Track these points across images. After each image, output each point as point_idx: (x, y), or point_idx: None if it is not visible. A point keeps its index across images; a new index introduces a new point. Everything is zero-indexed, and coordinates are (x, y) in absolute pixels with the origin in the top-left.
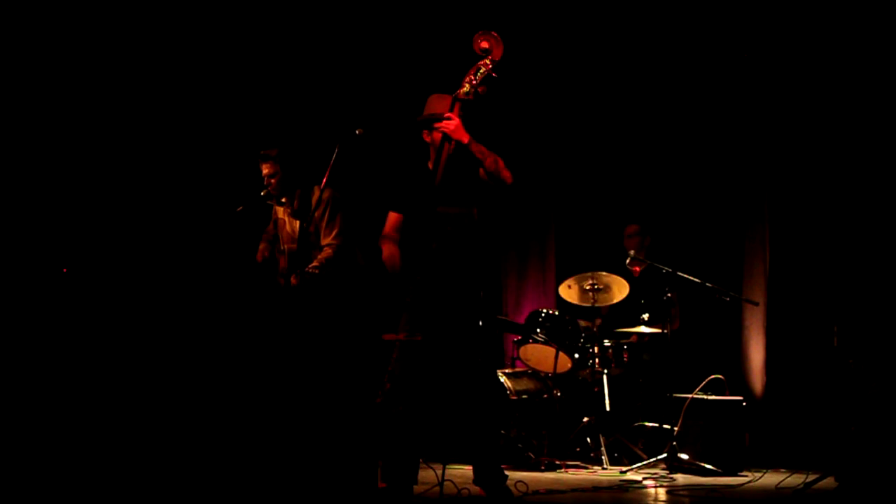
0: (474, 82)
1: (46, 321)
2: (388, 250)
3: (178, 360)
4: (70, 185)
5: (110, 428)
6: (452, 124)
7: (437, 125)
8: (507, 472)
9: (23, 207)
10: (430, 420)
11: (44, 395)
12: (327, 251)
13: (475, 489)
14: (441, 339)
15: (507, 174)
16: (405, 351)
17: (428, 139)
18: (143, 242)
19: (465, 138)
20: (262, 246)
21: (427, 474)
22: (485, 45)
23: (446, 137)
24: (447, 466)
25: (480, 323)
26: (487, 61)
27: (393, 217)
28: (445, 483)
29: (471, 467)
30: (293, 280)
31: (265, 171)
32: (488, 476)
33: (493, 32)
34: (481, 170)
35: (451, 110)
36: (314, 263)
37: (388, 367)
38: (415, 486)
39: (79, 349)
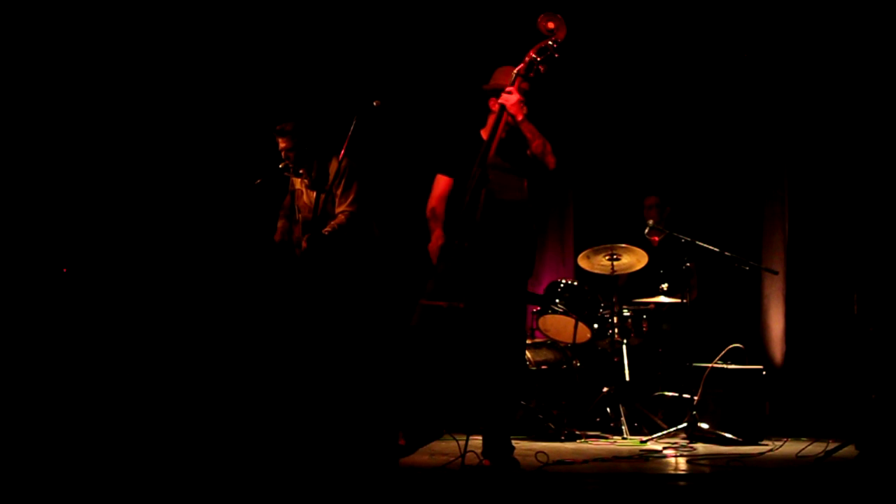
0: (537, 60)
1: (48, 318)
2: (436, 239)
3: (192, 342)
4: (75, 176)
5: (118, 419)
6: (513, 98)
7: (500, 98)
8: (527, 443)
9: (26, 202)
10: (458, 388)
11: (45, 393)
12: (340, 218)
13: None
14: (482, 309)
15: (551, 159)
16: (437, 315)
17: (495, 107)
18: (161, 219)
19: (520, 116)
20: (280, 224)
21: (451, 445)
22: (551, 25)
23: (503, 109)
24: (470, 437)
25: (519, 300)
26: (552, 42)
27: (443, 182)
28: (467, 454)
29: None
30: (303, 243)
31: (281, 145)
32: (495, 447)
33: (558, 15)
34: (528, 150)
35: (512, 85)
36: (327, 229)
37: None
38: (440, 458)
39: (81, 343)
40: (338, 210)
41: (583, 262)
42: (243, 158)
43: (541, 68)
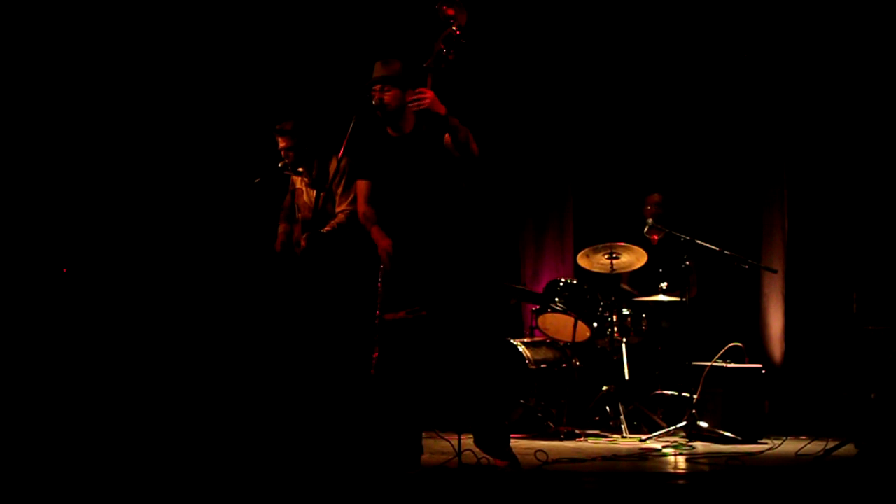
0: (444, 51)
1: (48, 319)
2: (383, 242)
3: (192, 342)
4: (75, 176)
5: (119, 419)
6: (427, 100)
7: (412, 104)
8: (526, 442)
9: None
10: (437, 391)
11: (45, 392)
12: (340, 217)
13: (494, 459)
14: (441, 312)
15: (475, 146)
16: (404, 327)
17: (379, 93)
18: (161, 219)
19: (443, 110)
20: (280, 228)
21: (445, 445)
22: (451, 11)
23: (426, 114)
24: (462, 436)
25: (479, 294)
26: (454, 28)
27: (364, 186)
28: (466, 453)
29: None
30: (302, 242)
31: (281, 144)
32: (489, 444)
33: None
34: (447, 138)
35: (426, 82)
36: (327, 228)
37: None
38: (439, 458)
39: (81, 343)
40: (338, 209)
41: (582, 261)
42: (243, 157)
43: (450, 57)
